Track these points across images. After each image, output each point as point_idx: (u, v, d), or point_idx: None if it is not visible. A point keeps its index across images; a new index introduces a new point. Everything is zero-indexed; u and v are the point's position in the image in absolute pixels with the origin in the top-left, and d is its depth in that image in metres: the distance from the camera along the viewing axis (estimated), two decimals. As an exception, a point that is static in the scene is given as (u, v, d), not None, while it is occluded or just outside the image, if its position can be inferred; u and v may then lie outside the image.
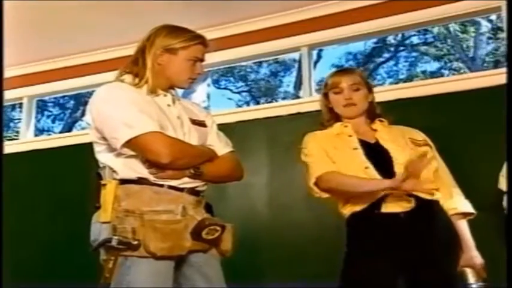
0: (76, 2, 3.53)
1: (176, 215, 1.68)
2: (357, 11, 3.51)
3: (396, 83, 7.53)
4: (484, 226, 2.53)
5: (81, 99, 8.72)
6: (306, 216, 2.82)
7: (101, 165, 1.76)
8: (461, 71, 7.59)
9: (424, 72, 8.01)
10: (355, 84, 2.06)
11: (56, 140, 4.50)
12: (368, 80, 2.18)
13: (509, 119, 1.93)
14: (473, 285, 1.95)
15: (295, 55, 3.96)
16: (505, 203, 2.41)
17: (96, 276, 1.66)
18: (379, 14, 3.43)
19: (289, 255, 3.10)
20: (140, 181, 1.69)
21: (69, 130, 9.18)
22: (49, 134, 8.86)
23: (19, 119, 4.91)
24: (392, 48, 8.43)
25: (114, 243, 1.59)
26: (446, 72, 7.85)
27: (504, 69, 3.11)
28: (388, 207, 1.88)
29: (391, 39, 8.16)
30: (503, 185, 2.43)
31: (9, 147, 4.09)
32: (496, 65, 6.81)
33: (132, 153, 1.69)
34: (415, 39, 8.18)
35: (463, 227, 2.00)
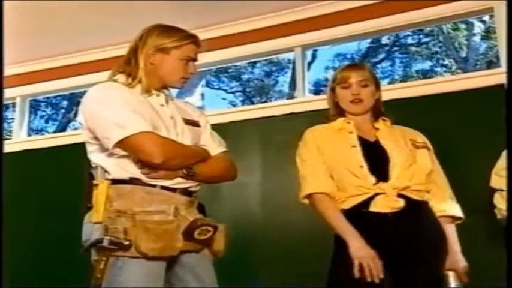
0: (69, 2, 3.52)
1: (168, 215, 1.67)
2: (351, 11, 3.52)
3: (391, 83, 7.55)
4: (477, 228, 2.56)
5: (74, 99, 8.69)
6: (299, 216, 2.82)
7: (93, 165, 1.75)
8: (454, 71, 7.62)
9: (418, 72, 8.04)
10: (364, 80, 2.04)
11: (49, 140, 4.48)
12: (376, 77, 2.14)
13: (509, 119, 1.94)
14: (452, 285, 1.95)
15: (290, 55, 3.95)
16: (496, 201, 2.42)
17: (87, 277, 1.65)
18: (373, 15, 3.44)
19: (283, 255, 3.11)
20: (132, 181, 1.68)
21: (63, 130, 9.14)
22: (42, 134, 8.83)
23: (12, 118, 4.88)
24: (387, 49, 8.45)
25: (105, 243, 1.59)
26: (439, 72, 7.87)
27: (497, 70, 3.15)
28: (376, 207, 1.88)
29: (385, 39, 8.18)
30: (495, 182, 2.43)
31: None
32: (489, 65, 6.84)
33: (124, 153, 1.67)
34: (409, 40, 8.21)
35: (450, 230, 1.99)
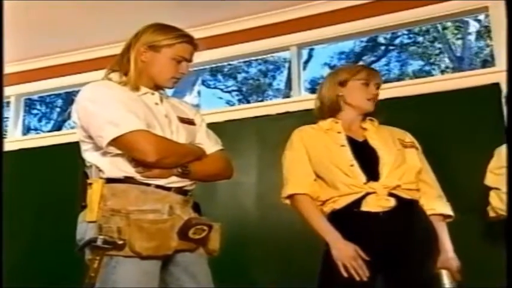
0: (64, 1, 3.51)
1: (163, 214, 1.67)
2: (347, 10, 3.52)
3: (387, 83, 7.54)
4: (469, 227, 2.57)
5: (70, 98, 8.67)
6: (294, 215, 2.82)
7: (88, 164, 1.74)
8: (449, 70, 7.64)
9: (414, 72, 8.06)
10: (378, 84, 2.10)
11: (45, 139, 4.47)
12: None
13: (509, 119, 1.94)
14: (447, 286, 1.95)
15: (286, 54, 3.96)
16: (491, 199, 2.42)
17: (81, 276, 1.64)
18: (368, 14, 3.44)
19: (278, 254, 3.11)
20: (127, 180, 1.67)
21: (59, 129, 9.12)
22: (37, 133, 8.80)
23: (6, 117, 4.87)
24: (382, 48, 8.47)
25: (99, 242, 1.58)
26: (434, 71, 7.89)
27: (492, 69, 3.16)
28: (368, 206, 1.89)
29: (381, 39, 8.19)
30: (490, 181, 2.43)
31: (-3, 146, 4.05)
32: (484, 64, 6.86)
33: (119, 152, 1.67)
34: (404, 39, 8.22)
35: (442, 229, 2.01)
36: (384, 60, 8.41)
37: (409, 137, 2.13)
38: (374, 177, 1.93)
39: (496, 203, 2.35)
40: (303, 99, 3.40)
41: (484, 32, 7.17)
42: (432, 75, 7.30)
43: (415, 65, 8.22)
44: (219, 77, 9.39)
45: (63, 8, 3.60)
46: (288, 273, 2.97)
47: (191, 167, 1.75)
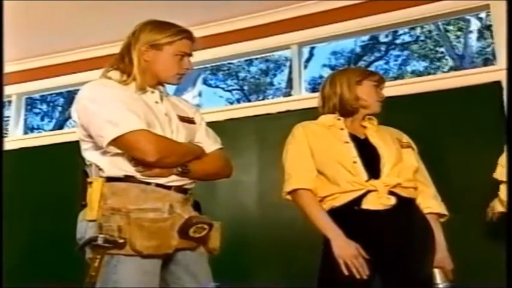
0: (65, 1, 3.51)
1: (163, 213, 1.67)
2: (348, 8, 3.52)
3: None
4: (463, 227, 2.57)
5: (71, 97, 8.67)
6: (295, 214, 2.82)
7: (87, 163, 1.74)
8: (450, 69, 7.63)
9: (414, 71, 8.04)
10: (382, 88, 2.13)
11: (46, 137, 4.47)
12: None
13: (509, 118, 1.93)
14: (440, 286, 1.95)
15: (287, 53, 3.95)
16: (501, 193, 2.38)
17: (81, 276, 1.64)
18: (369, 12, 3.44)
19: (279, 253, 3.11)
20: (127, 179, 1.67)
21: (61, 128, 9.12)
22: (39, 132, 8.80)
23: (8, 116, 4.88)
24: (383, 47, 8.45)
25: (100, 241, 1.58)
26: (435, 70, 7.88)
27: (493, 67, 3.15)
28: (368, 204, 1.89)
29: (382, 37, 8.18)
30: (500, 174, 2.39)
31: (-2, 145, 4.06)
32: (485, 63, 6.84)
33: (119, 151, 1.66)
34: (406, 38, 8.21)
35: (437, 228, 2.01)
36: (384, 59, 8.40)
37: (405, 138, 2.14)
38: (375, 175, 1.93)
39: (505, 196, 2.32)
40: (303, 98, 3.41)
41: (486, 30, 7.16)
42: (431, 74, 7.29)
43: (417, 64, 8.20)
44: (220, 75, 9.38)
45: (65, 7, 3.60)
46: (289, 272, 2.98)
47: (191, 166, 1.75)
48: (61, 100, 9.78)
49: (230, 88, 9.51)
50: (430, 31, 7.83)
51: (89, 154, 1.74)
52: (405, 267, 1.87)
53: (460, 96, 3.01)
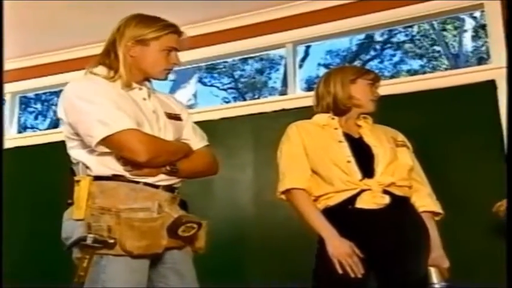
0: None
1: (153, 212, 1.66)
2: (342, 7, 3.50)
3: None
4: (462, 226, 2.58)
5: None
6: (291, 213, 2.83)
7: (74, 161, 1.72)
8: (445, 68, 7.65)
9: (409, 70, 8.06)
10: (378, 86, 2.13)
11: (41, 136, 4.45)
12: None
13: (509, 118, 1.93)
14: (436, 285, 1.95)
15: (282, 52, 3.94)
16: None
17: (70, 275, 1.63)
18: (363, 11, 3.43)
19: (274, 252, 3.10)
20: (115, 178, 1.66)
21: (55, 127, 9.07)
22: (34, 131, 8.77)
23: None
24: (379, 46, 8.46)
25: (89, 241, 1.56)
26: (430, 69, 7.89)
27: (487, 66, 3.16)
28: (363, 203, 1.89)
29: (378, 36, 8.19)
30: None
31: (-8, 145, 4.04)
32: (480, 62, 6.86)
33: (107, 150, 1.65)
34: (401, 37, 8.22)
35: (431, 226, 2.01)
36: (380, 58, 8.41)
37: (401, 137, 2.14)
38: (369, 174, 1.93)
39: None
40: (298, 97, 3.39)
41: (480, 29, 7.18)
42: (426, 73, 7.30)
43: (413, 63, 8.22)
44: (215, 74, 9.37)
45: (60, 4, 3.58)
46: (285, 272, 2.96)
47: (179, 165, 1.74)
48: (55, 99, 9.74)
49: (225, 87, 9.50)
50: (425, 30, 7.84)
51: (76, 152, 1.71)
52: (400, 266, 1.87)
53: (455, 95, 3.00)
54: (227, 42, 3.79)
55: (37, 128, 9.54)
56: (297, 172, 1.99)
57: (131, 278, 1.61)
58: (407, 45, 8.21)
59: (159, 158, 1.67)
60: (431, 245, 1.97)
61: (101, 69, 1.77)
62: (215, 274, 3.01)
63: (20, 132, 4.93)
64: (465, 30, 7.42)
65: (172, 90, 7.00)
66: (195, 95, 8.01)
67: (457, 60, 7.47)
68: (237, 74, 9.46)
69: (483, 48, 7.10)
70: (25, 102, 8.97)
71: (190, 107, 6.30)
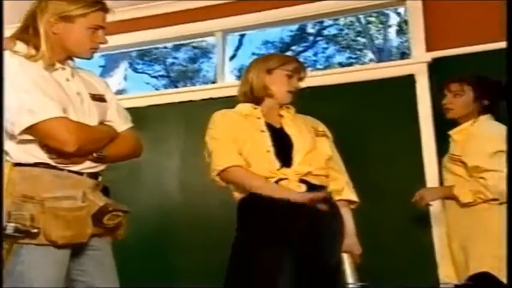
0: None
1: (77, 201, 1.60)
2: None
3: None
4: (381, 214, 2.70)
5: None
6: (217, 201, 2.86)
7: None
8: (370, 60, 7.89)
9: (340, 63, 8.24)
10: (301, 78, 2.14)
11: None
12: None
13: (509, 118, 2.00)
14: (351, 286, 2.04)
15: (213, 40, 3.91)
16: (489, 181, 2.22)
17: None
18: (294, 2, 3.46)
19: (200, 239, 3.11)
20: (37, 165, 1.60)
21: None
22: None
23: None
24: (311, 38, 8.60)
25: (9, 231, 1.50)
26: (356, 61, 8.10)
27: (408, 61, 3.30)
28: None
29: (309, 28, 8.31)
30: (481, 162, 2.24)
31: None
32: (402, 56, 7.12)
33: (30, 138, 1.58)
34: (331, 30, 8.39)
35: (347, 214, 2.10)
36: (311, 51, 8.55)
37: (321, 126, 2.20)
38: (287, 164, 1.98)
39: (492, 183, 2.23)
40: (227, 86, 3.39)
41: (405, 25, 7.43)
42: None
43: (341, 56, 8.42)
44: (147, 61, 9.19)
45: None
46: (211, 260, 2.98)
47: (106, 151, 1.70)
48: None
49: (157, 74, 9.34)
50: (351, 22, 8.04)
51: None
52: (315, 253, 1.94)
53: (378, 87, 3.11)
54: (157, 28, 3.72)
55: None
56: (229, 152, 2.00)
57: (52, 269, 1.56)
58: (335, 38, 8.40)
59: (87, 146, 1.62)
60: (345, 232, 2.05)
61: (21, 46, 1.66)
62: (140, 261, 2.99)
63: None
64: (390, 25, 7.67)
65: (102, 76, 6.82)
66: (125, 80, 7.84)
67: (381, 54, 7.73)
68: (169, 61, 9.32)
69: (406, 44, 7.38)
70: None
71: (119, 92, 6.16)
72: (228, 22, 3.59)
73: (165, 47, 8.39)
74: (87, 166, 1.67)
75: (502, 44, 2.83)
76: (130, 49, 4.85)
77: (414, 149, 2.92)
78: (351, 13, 4.19)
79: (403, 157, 2.94)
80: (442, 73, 2.86)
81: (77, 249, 1.67)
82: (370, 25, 7.99)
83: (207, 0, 3.58)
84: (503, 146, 2.17)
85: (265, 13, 3.51)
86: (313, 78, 2.90)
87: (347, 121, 2.90)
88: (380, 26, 7.91)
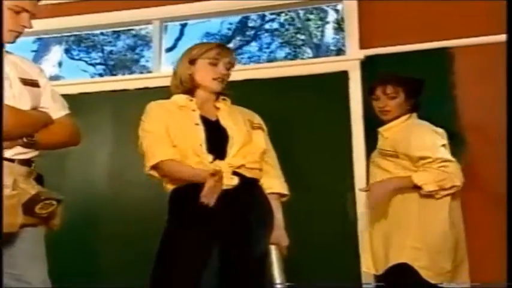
0: None
1: (7, 188, 1.53)
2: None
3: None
4: (305, 206, 2.75)
5: None
6: (148, 193, 2.82)
7: None
8: (308, 57, 7.99)
9: (280, 57, 8.31)
10: (231, 63, 2.12)
11: None
12: None
13: (509, 118, 2.03)
14: (274, 260, 2.08)
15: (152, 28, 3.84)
16: (449, 169, 2.26)
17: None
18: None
19: (129, 231, 3.07)
20: None
21: None
22: None
23: None
24: (252, 32, 8.62)
25: None
26: (295, 57, 8.19)
27: (342, 57, 3.38)
28: None
29: (250, 22, 8.33)
30: (432, 152, 2.29)
31: None
32: (338, 53, 7.25)
33: None
34: (274, 24, 8.44)
35: (276, 207, 2.12)
36: (253, 45, 8.57)
37: (257, 119, 2.21)
38: (221, 157, 1.98)
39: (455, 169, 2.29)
40: (162, 76, 3.34)
41: (342, 22, 7.58)
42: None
43: (281, 51, 8.49)
44: (84, 47, 8.91)
45: None
46: (140, 252, 2.95)
47: (37, 136, 1.64)
48: None
49: (94, 62, 9.08)
50: (293, 19, 8.13)
51: None
52: (243, 245, 1.96)
53: (314, 83, 3.16)
54: (93, 13, 3.62)
55: None
56: (163, 146, 1.99)
57: None
58: (277, 33, 8.46)
59: (14, 130, 1.56)
60: (274, 225, 2.08)
61: None
62: (67, 253, 2.90)
63: None
64: (327, 22, 7.81)
65: (34, 61, 6.54)
66: (59, 67, 7.58)
67: (318, 50, 7.85)
68: (107, 49, 9.08)
69: (343, 41, 7.53)
70: None
71: (52, 79, 5.95)
72: (166, 11, 3.54)
73: (102, 33, 8.17)
74: (18, 152, 1.61)
75: (429, 45, 3.01)
76: (64, 34, 4.68)
77: (344, 143, 2.98)
78: (292, 7, 4.23)
79: (333, 151, 3.01)
80: (373, 70, 2.95)
81: (6, 240, 1.59)
82: (309, 22, 8.10)
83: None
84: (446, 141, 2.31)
85: (205, 3, 3.49)
86: (249, 71, 2.92)
87: (281, 114, 2.93)
88: (319, 22, 8.03)
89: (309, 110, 3.08)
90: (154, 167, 1.99)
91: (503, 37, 2.34)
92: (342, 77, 3.10)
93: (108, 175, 3.28)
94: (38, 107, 1.71)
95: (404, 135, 2.38)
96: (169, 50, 5.05)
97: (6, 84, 1.61)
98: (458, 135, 2.69)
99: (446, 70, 2.96)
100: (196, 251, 1.91)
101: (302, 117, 3.08)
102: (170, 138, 2.00)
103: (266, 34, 8.53)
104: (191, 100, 2.09)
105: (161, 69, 3.57)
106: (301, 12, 7.66)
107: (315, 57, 7.68)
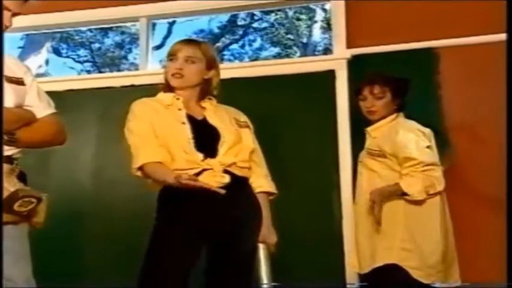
0: None
1: None
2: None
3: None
4: (291, 204, 2.76)
5: None
6: (132, 191, 2.81)
7: None
8: (296, 56, 8.00)
9: (268, 57, 8.31)
10: (191, 57, 2.08)
11: None
12: (215, 58, 2.19)
13: (509, 118, 2.03)
14: (262, 258, 2.09)
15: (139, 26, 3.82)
16: (435, 173, 2.31)
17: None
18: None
19: (113, 230, 3.06)
20: None
21: None
22: None
23: None
24: (240, 31, 8.61)
25: None
26: (284, 57, 8.19)
27: (329, 56, 3.38)
28: (203, 181, 1.91)
29: (239, 20, 8.32)
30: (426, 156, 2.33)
31: None
32: (326, 52, 7.27)
33: None
34: (263, 23, 8.44)
35: (265, 205, 2.13)
36: (241, 43, 8.56)
37: (243, 117, 2.21)
38: (212, 155, 1.98)
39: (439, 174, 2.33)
40: (149, 73, 3.34)
41: (329, 21, 7.60)
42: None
43: (272, 50, 8.49)
44: (72, 45, 8.84)
45: None
46: (125, 250, 2.94)
47: (18, 134, 1.62)
48: None
49: (81, 59, 9.02)
50: (282, 18, 8.13)
51: None
52: (233, 243, 1.97)
53: (301, 81, 3.16)
54: (80, 10, 3.59)
55: None
56: (149, 147, 1.97)
57: None
58: (266, 32, 8.47)
59: None
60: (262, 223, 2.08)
61: None
62: (50, 252, 2.88)
63: None
64: (315, 21, 7.82)
65: (21, 58, 6.48)
66: (46, 64, 7.51)
67: (306, 49, 7.87)
68: (95, 46, 9.02)
69: (330, 40, 7.53)
70: None
71: (39, 76, 5.89)
72: (154, 8, 3.52)
73: (90, 31, 8.12)
74: None
75: (415, 45, 3.03)
76: (51, 30, 4.64)
77: (330, 142, 2.99)
78: (282, 6, 4.23)
79: (319, 150, 3.01)
80: (360, 70, 2.96)
81: None
82: (299, 21, 8.11)
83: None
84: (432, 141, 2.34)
85: (193, 1, 3.48)
86: (236, 70, 2.91)
87: (268, 113, 2.93)
88: (308, 22, 8.05)
89: (296, 108, 3.09)
90: (140, 169, 1.98)
91: (488, 37, 2.38)
92: (329, 76, 3.11)
93: (93, 173, 3.26)
94: (23, 105, 1.70)
95: (390, 135, 2.39)
96: (157, 48, 5.02)
97: None
98: (443, 135, 2.71)
99: (432, 70, 2.98)
100: (185, 249, 1.91)
101: (289, 116, 3.08)
102: (156, 138, 1.99)
103: (255, 33, 8.52)
104: (178, 99, 2.08)
105: (148, 67, 3.55)
106: (290, 12, 7.67)
107: (302, 56, 7.69)
